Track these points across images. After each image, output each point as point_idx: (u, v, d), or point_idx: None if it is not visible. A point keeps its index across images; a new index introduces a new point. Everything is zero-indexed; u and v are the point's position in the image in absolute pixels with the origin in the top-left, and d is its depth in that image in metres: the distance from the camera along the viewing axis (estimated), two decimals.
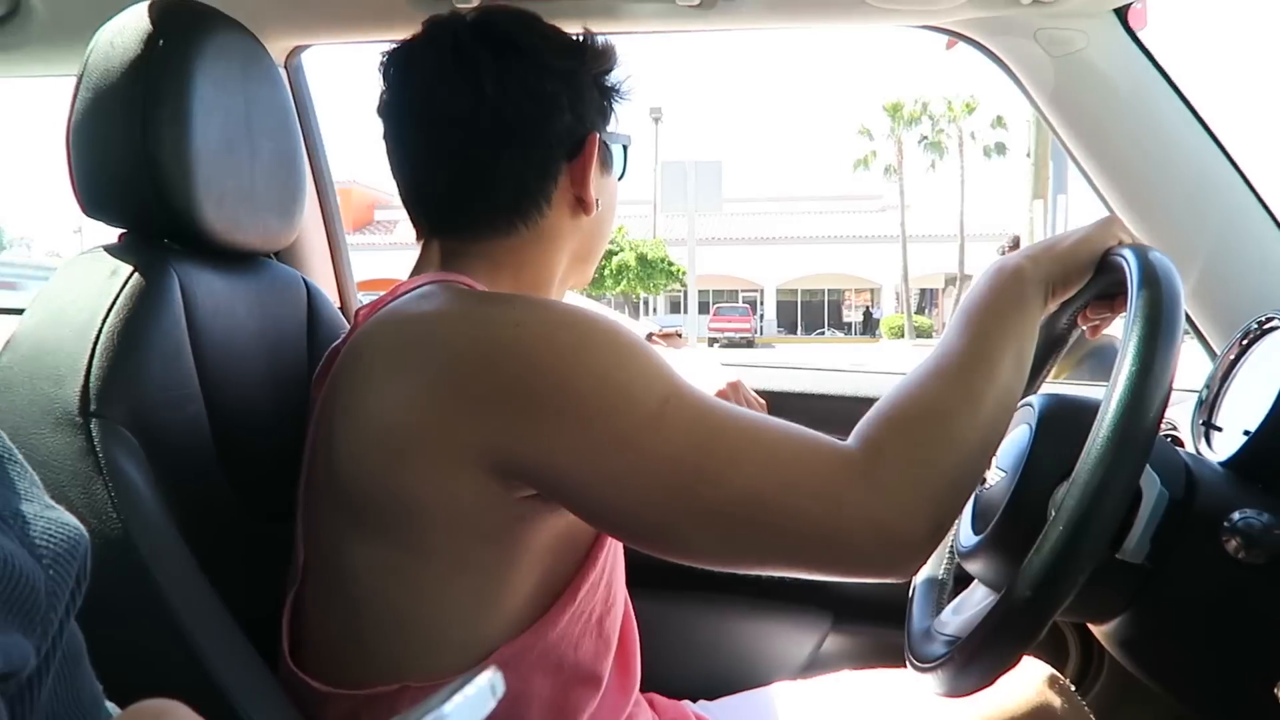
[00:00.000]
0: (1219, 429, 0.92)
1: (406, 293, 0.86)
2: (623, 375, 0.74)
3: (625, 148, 1.03)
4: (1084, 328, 0.89)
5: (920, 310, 36.09)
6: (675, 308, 35.54)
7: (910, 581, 0.95)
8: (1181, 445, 1.01)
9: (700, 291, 28.48)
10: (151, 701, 0.39)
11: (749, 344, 28.67)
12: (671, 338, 1.26)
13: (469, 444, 0.74)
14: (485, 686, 0.33)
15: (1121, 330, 0.69)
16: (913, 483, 0.71)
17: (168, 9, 0.90)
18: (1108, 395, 0.64)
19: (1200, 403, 0.96)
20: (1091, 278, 0.79)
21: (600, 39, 0.95)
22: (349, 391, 0.81)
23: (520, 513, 0.78)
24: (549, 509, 0.79)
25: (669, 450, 0.71)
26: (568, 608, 0.85)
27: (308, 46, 1.43)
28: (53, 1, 1.25)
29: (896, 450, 0.72)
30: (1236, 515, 0.71)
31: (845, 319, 38.65)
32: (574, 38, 0.94)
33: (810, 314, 39.23)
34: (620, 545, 0.95)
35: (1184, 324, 0.68)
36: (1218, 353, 1.15)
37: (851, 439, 0.74)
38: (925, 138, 33.38)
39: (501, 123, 0.89)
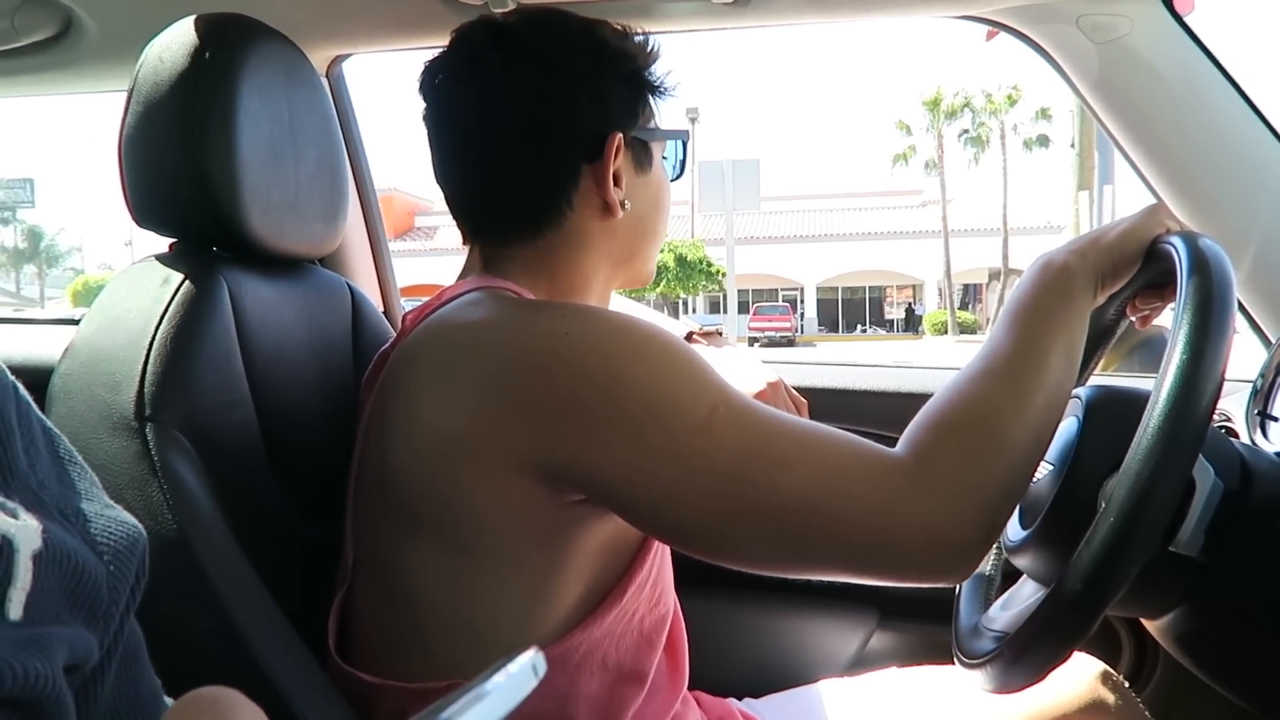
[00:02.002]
0: (1275, 419, 0.90)
1: (453, 298, 0.87)
2: (673, 384, 0.74)
3: (683, 143, 1.01)
4: (1133, 318, 0.88)
5: (964, 306, 35.64)
6: (715, 308, 35.46)
7: None
8: (1236, 437, 0.99)
9: (740, 291, 28.41)
10: (206, 689, 0.40)
11: (790, 343, 28.51)
12: (712, 336, 1.25)
13: (519, 451, 0.75)
14: (527, 665, 0.33)
15: (1171, 320, 0.68)
16: (964, 487, 0.70)
17: (213, 23, 0.93)
18: (1158, 384, 0.63)
19: (1255, 392, 0.94)
20: (1140, 267, 0.78)
21: (637, 37, 0.95)
22: (400, 398, 0.82)
23: (571, 517, 0.79)
24: (599, 513, 0.79)
25: (720, 458, 0.71)
26: (613, 608, 0.86)
27: (348, 55, 1.45)
28: (103, 19, 1.29)
29: (946, 455, 0.72)
30: None
31: (887, 316, 38.28)
32: (601, 36, 0.92)
33: (851, 311, 38.90)
34: (668, 547, 0.96)
35: (1236, 311, 0.66)
36: (1273, 341, 1.12)
37: (900, 444, 0.74)
38: (966, 131, 32.92)
39: (512, 128, 0.89)
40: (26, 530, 0.39)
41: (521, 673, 0.33)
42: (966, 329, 30.99)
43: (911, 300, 37.74)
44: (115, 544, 0.45)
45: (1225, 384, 0.63)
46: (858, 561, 0.73)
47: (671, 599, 0.98)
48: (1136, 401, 0.70)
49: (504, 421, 0.75)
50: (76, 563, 0.41)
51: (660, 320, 1.32)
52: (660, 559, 0.94)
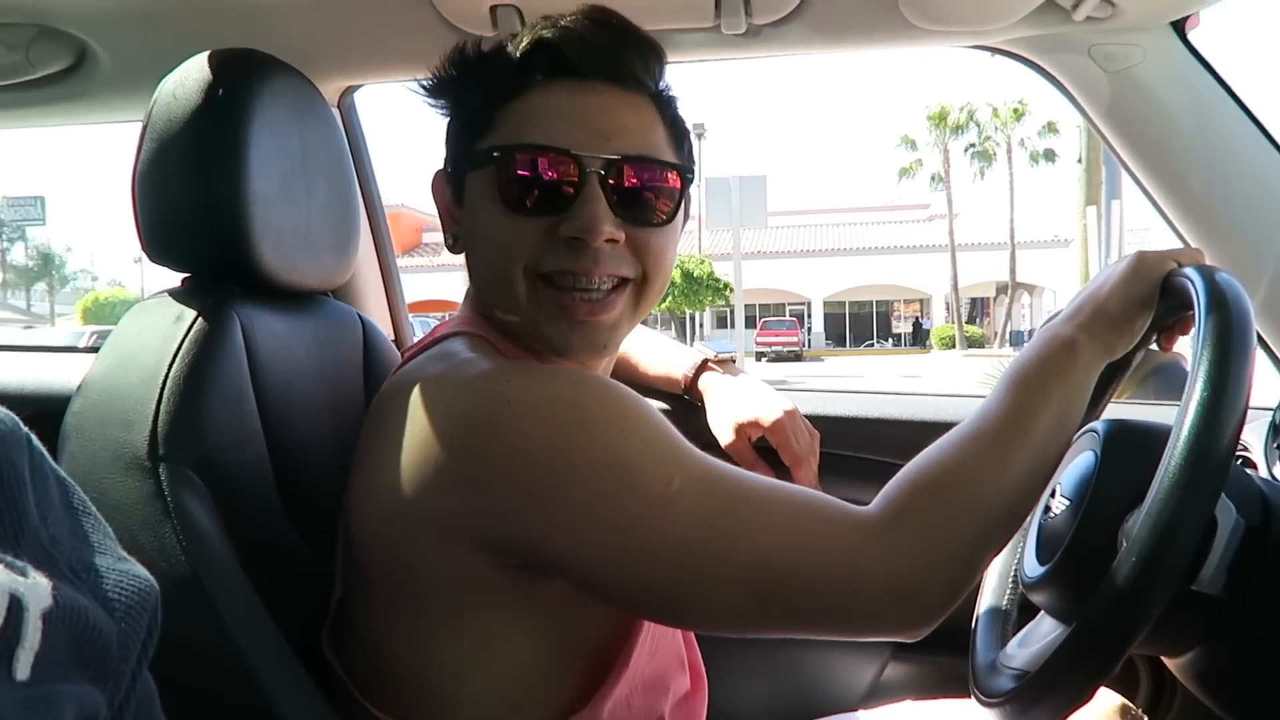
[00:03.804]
0: None
1: (439, 340, 0.86)
2: (624, 455, 0.71)
3: (503, 163, 0.81)
4: (1150, 347, 0.87)
5: (971, 320, 35.58)
6: (722, 322, 35.46)
7: (973, 610, 0.93)
8: (1254, 468, 0.98)
9: (747, 305, 28.37)
10: None
11: (797, 357, 28.49)
12: (727, 364, 1.25)
13: (456, 518, 0.73)
14: None
15: (1189, 349, 0.68)
16: (931, 547, 0.71)
17: (226, 58, 0.93)
18: (1179, 420, 0.62)
19: (1274, 425, 0.93)
20: (1153, 314, 0.78)
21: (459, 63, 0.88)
22: (363, 447, 0.82)
23: (519, 578, 0.76)
24: (550, 577, 0.77)
25: (676, 532, 0.70)
26: (609, 695, 0.83)
27: (359, 86, 1.46)
28: (116, 52, 1.30)
29: (917, 514, 0.72)
30: None
31: (895, 330, 38.25)
32: (446, 68, 0.88)
33: (859, 325, 38.87)
34: None
35: (1255, 344, 0.66)
36: None
37: (874, 502, 0.74)
38: (972, 145, 32.96)
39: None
40: (36, 589, 0.38)
41: None
42: (974, 343, 30.91)
43: (919, 314, 37.70)
44: (127, 600, 0.44)
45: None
46: (820, 621, 0.73)
47: (675, 646, 0.94)
48: (1155, 436, 0.69)
49: (441, 489, 0.72)
50: (87, 621, 0.41)
51: (669, 342, 1.32)
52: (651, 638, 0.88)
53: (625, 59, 0.84)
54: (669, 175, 0.84)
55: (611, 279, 0.83)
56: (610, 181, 0.81)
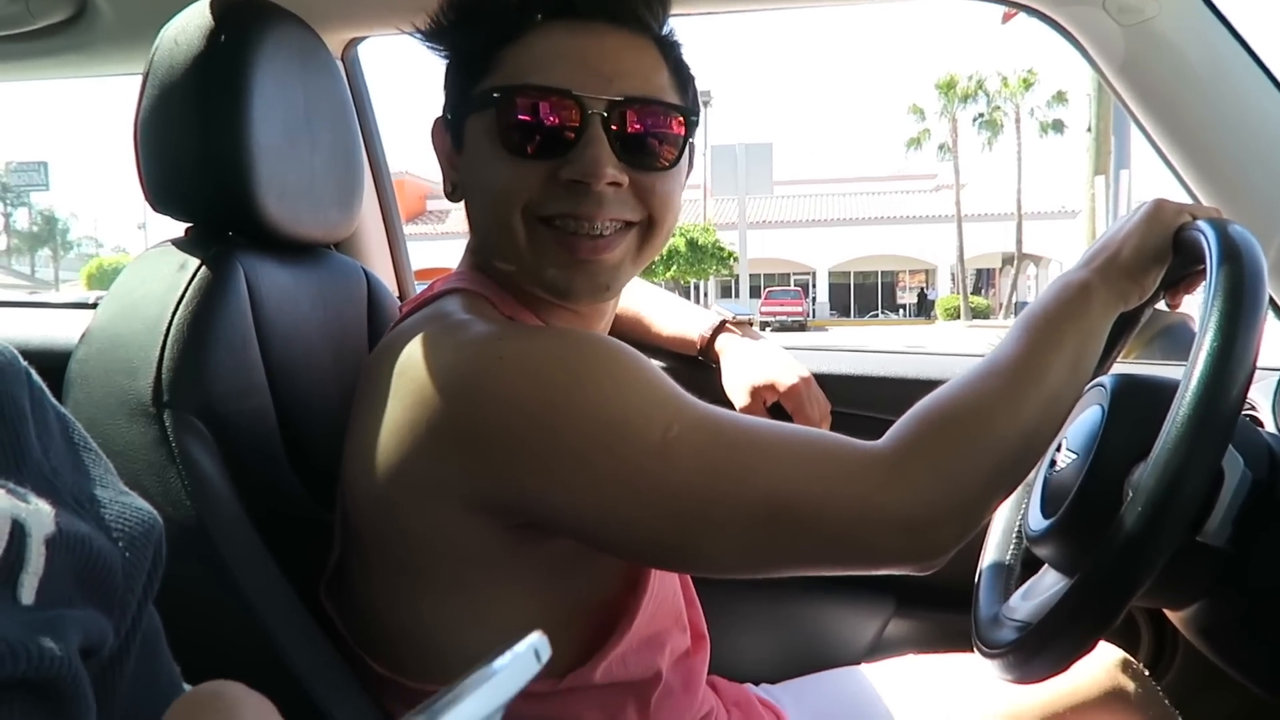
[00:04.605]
0: None
1: (434, 297, 0.85)
2: (620, 407, 0.71)
3: (501, 103, 0.80)
4: (1159, 304, 0.87)
5: (976, 291, 35.49)
6: (726, 292, 35.39)
7: (976, 566, 0.94)
8: (1261, 425, 0.98)
9: (751, 275, 28.33)
10: (209, 684, 0.40)
11: (801, 327, 28.46)
12: (744, 326, 1.24)
13: (451, 480, 0.72)
14: (528, 650, 0.34)
15: (1197, 308, 0.67)
16: (942, 481, 0.70)
17: (229, 6, 0.92)
18: (1188, 373, 0.62)
19: None
20: (1168, 264, 0.78)
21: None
22: (357, 408, 0.81)
23: (515, 538, 0.76)
24: (548, 535, 0.76)
25: (680, 477, 0.70)
26: (619, 643, 0.83)
27: (364, 38, 1.44)
28: (117, 3, 1.28)
29: (929, 448, 0.72)
30: None
31: (899, 301, 38.15)
32: (442, 12, 0.87)
33: (863, 296, 38.80)
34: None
35: (1267, 298, 0.65)
36: None
37: (885, 436, 0.74)
38: (981, 115, 32.68)
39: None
40: (38, 515, 0.38)
41: (524, 655, 0.34)
42: (979, 314, 30.84)
43: (924, 285, 37.59)
44: (130, 530, 0.44)
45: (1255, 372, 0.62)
46: (831, 556, 0.73)
47: (675, 606, 0.93)
48: (1163, 390, 0.69)
49: (435, 450, 0.72)
50: (90, 548, 0.41)
51: (685, 303, 1.31)
52: (658, 577, 0.87)
53: (627, 0, 0.82)
54: (673, 119, 0.83)
55: (615, 223, 0.82)
56: (613, 125, 0.79)
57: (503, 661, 0.33)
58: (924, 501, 0.70)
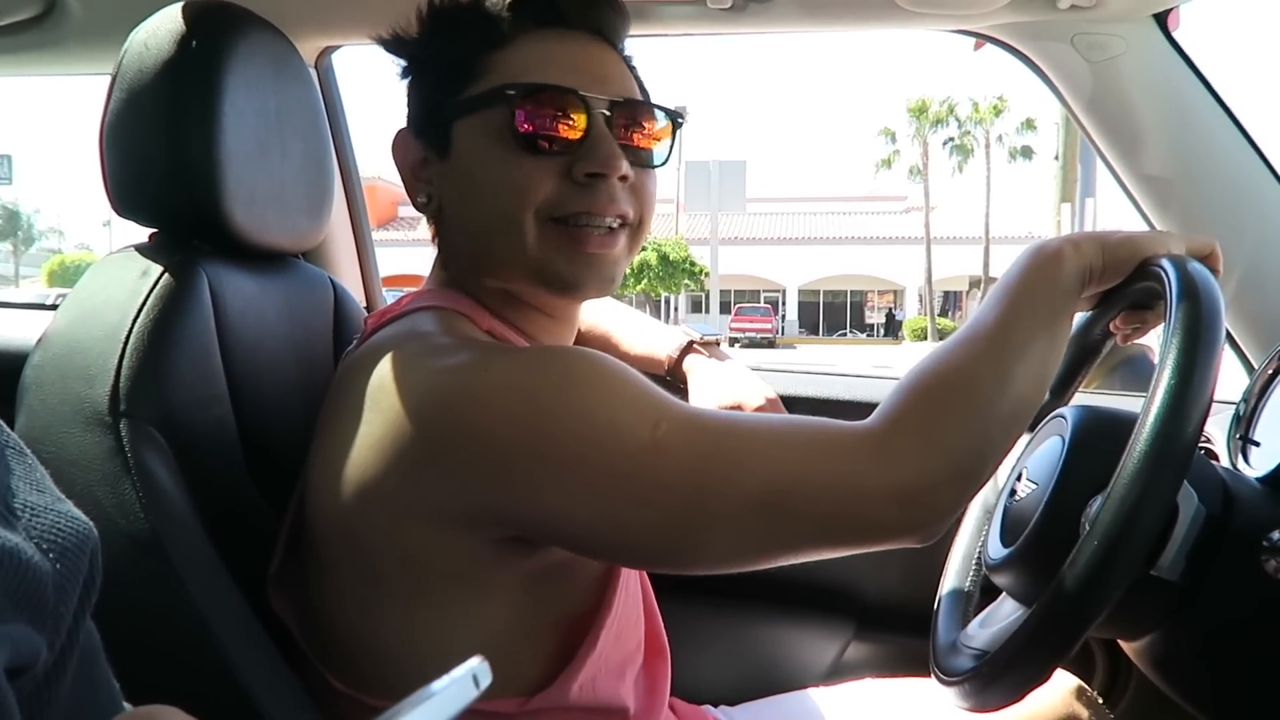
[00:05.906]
0: (1257, 444, 0.90)
1: (408, 312, 0.85)
2: (608, 409, 0.71)
3: (514, 101, 0.81)
4: (1117, 337, 0.88)
5: (944, 313, 35.83)
6: (697, 307, 35.48)
7: (935, 592, 0.94)
8: (1217, 460, 0.99)
9: (722, 291, 28.44)
10: (142, 709, 0.39)
11: (770, 344, 28.59)
12: (711, 346, 1.24)
13: (430, 498, 0.72)
14: (466, 674, 0.34)
15: (1156, 341, 0.68)
16: (934, 449, 0.71)
17: (200, 10, 0.91)
18: (1145, 408, 0.63)
19: (1237, 417, 0.94)
20: (1128, 282, 0.77)
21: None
22: (328, 416, 0.80)
23: (494, 554, 0.76)
24: (525, 548, 0.76)
25: (671, 474, 0.70)
26: (585, 662, 0.83)
27: (338, 47, 1.43)
28: (87, 1, 1.26)
29: (918, 418, 0.72)
30: (1276, 534, 0.70)
31: (868, 320, 38.44)
32: (420, 24, 0.88)
33: (833, 315, 39.04)
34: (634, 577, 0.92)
35: (1224, 336, 0.67)
36: (1255, 365, 1.13)
37: (873, 414, 0.74)
38: (951, 139, 33.11)
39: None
40: None
41: (463, 680, 0.34)
42: (946, 335, 30.93)
43: (892, 305, 37.92)
44: (62, 541, 0.42)
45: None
46: (830, 537, 0.73)
47: (638, 631, 0.93)
48: (1123, 424, 0.70)
49: (413, 469, 0.72)
50: (17, 560, 0.39)
51: (652, 321, 1.31)
52: (624, 596, 0.88)
53: (608, 15, 0.88)
54: (664, 120, 0.89)
55: (617, 219, 0.85)
56: (615, 124, 0.83)
57: (440, 684, 0.33)
58: (917, 471, 0.70)
